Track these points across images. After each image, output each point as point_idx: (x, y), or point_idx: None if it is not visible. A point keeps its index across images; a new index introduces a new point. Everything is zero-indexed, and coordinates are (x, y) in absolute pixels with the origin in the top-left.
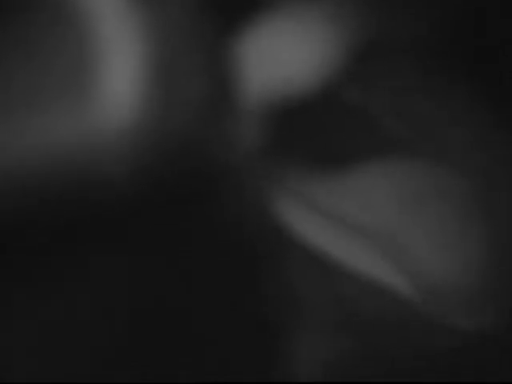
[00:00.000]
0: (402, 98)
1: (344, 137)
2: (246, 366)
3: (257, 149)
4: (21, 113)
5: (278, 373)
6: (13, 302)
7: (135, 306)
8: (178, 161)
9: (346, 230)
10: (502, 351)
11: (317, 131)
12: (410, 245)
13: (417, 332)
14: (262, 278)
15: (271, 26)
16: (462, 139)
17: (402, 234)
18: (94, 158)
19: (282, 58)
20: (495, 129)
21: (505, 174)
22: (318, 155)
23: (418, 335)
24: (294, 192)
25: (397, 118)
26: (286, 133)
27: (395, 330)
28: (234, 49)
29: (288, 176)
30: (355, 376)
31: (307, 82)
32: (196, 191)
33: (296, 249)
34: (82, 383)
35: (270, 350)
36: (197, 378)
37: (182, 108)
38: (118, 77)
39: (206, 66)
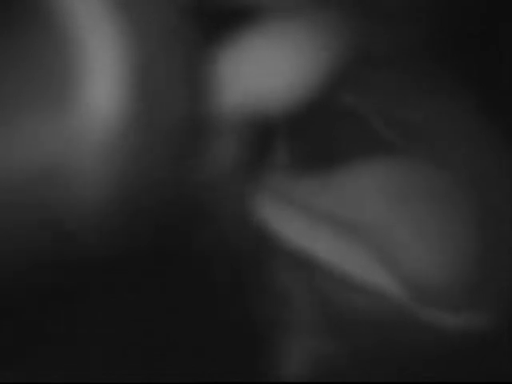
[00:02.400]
0: (392, 100)
1: (331, 138)
2: (236, 369)
3: (243, 155)
4: (3, 118)
5: (268, 375)
6: None
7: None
8: (159, 174)
9: (332, 230)
10: (491, 349)
11: (303, 133)
12: (397, 244)
13: (405, 331)
14: (248, 281)
15: (256, 34)
16: (450, 140)
17: (389, 234)
18: (71, 170)
19: (266, 66)
20: (484, 129)
21: (493, 173)
22: (303, 156)
23: (407, 334)
24: (280, 194)
25: (385, 119)
26: (273, 137)
27: (383, 329)
28: (216, 57)
29: (274, 178)
30: (343, 376)
31: (292, 88)
32: (180, 206)
33: (282, 251)
34: (86, 383)
35: (258, 351)
36: (189, 380)
37: (164, 118)
38: (96, 85)
39: (187, 75)
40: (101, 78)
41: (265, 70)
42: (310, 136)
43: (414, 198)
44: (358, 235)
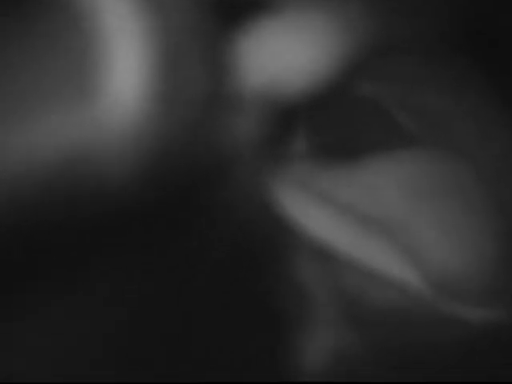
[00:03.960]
0: (413, 92)
1: (353, 130)
2: (254, 361)
3: (263, 142)
4: (22, 113)
5: (286, 366)
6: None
7: (141, 300)
8: (181, 159)
9: (353, 222)
10: (509, 344)
11: (326, 124)
12: (418, 237)
13: (425, 324)
14: (268, 271)
15: (275, 22)
16: (472, 133)
17: (411, 227)
18: (96, 160)
19: (285, 53)
20: (507, 124)
21: None
22: (326, 148)
23: (427, 327)
24: (301, 184)
25: (407, 112)
26: (293, 126)
27: (403, 321)
28: (237, 45)
29: (295, 168)
30: (362, 368)
31: (310, 74)
32: (202, 187)
33: (302, 241)
34: (82, 383)
35: (277, 343)
36: (206, 374)
37: (185, 105)
38: (120, 75)
39: (208, 63)
40: (124, 67)
41: (283, 56)
42: (330, 125)
43: (437, 192)
44: (379, 228)
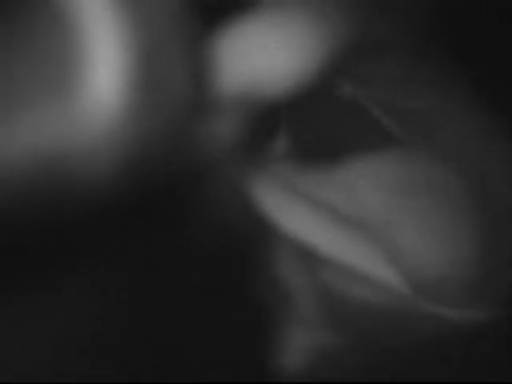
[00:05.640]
0: (395, 92)
1: (334, 130)
2: (233, 359)
3: (244, 143)
4: (10, 106)
5: (269, 366)
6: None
7: (121, 297)
8: (160, 159)
9: (335, 222)
10: (494, 341)
11: (306, 125)
12: (399, 236)
13: (406, 323)
14: (249, 271)
15: (256, 21)
16: (455, 133)
17: (392, 226)
18: (76, 156)
19: (266, 52)
20: (491, 123)
21: (498, 166)
22: (306, 148)
23: (408, 326)
24: (282, 185)
25: (385, 109)
26: (274, 127)
27: (384, 321)
28: (218, 44)
29: (276, 169)
30: (344, 367)
31: (292, 74)
32: (182, 186)
33: (283, 241)
34: (81, 383)
35: (259, 343)
36: (189, 375)
37: (165, 104)
38: (100, 72)
39: (188, 62)
40: (104, 64)
41: (265, 56)
42: (311, 126)
43: (417, 191)
44: (361, 227)
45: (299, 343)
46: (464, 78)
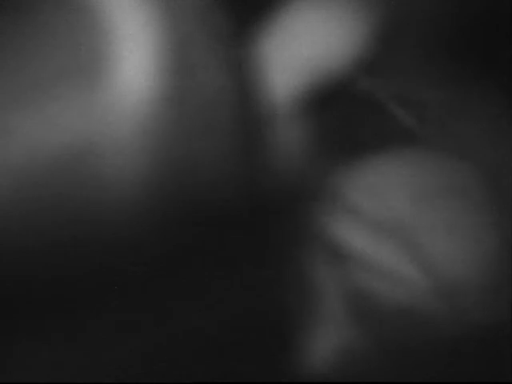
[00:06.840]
0: (416, 88)
1: (350, 126)
2: (263, 361)
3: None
4: (32, 99)
5: (295, 365)
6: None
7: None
8: (191, 149)
9: (363, 223)
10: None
11: (325, 120)
12: (426, 238)
13: (432, 325)
14: (280, 269)
15: (288, 24)
16: (476, 133)
17: (419, 228)
18: (100, 153)
19: (302, 53)
20: (504, 115)
21: None
22: (331, 145)
23: (433, 328)
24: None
25: (402, 104)
26: (313, 127)
27: (409, 322)
28: (252, 42)
29: (316, 169)
30: (370, 366)
31: (320, 71)
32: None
33: (314, 240)
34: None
35: (285, 343)
36: (210, 373)
37: (196, 94)
38: (129, 66)
39: (219, 52)
40: (133, 58)
41: (301, 56)
42: (330, 123)
43: (439, 191)
44: (389, 228)
45: (326, 342)
46: (485, 75)
